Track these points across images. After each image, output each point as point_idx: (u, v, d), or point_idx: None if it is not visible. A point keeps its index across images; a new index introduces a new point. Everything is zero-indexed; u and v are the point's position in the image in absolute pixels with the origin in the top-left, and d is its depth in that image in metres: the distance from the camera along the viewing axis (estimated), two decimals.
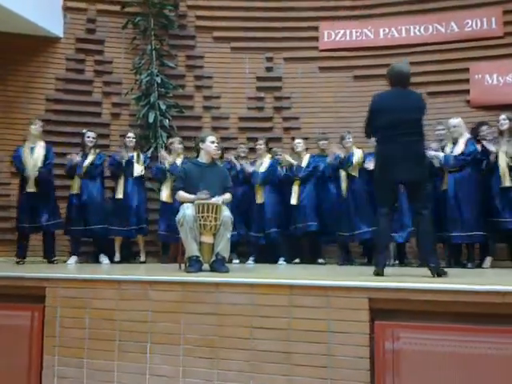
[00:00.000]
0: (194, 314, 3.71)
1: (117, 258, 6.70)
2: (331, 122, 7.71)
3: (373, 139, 4.62)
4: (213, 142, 4.87)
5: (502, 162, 5.82)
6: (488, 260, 5.93)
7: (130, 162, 6.68)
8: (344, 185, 6.43)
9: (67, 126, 7.36)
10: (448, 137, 6.15)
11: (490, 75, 7.64)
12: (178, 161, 6.74)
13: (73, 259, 6.51)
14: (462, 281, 3.66)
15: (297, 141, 6.91)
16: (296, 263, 6.64)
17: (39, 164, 6.26)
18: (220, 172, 4.98)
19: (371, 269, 4.25)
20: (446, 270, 4.16)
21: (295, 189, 6.67)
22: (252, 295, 3.63)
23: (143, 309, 3.82)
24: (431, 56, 7.84)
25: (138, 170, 6.74)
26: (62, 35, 8.04)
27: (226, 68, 8.29)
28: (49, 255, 6.40)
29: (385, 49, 8.04)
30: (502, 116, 6.06)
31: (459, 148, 5.96)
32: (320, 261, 6.62)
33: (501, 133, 6.03)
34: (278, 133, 8.07)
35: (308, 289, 3.53)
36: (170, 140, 7.08)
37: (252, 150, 7.26)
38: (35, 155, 6.30)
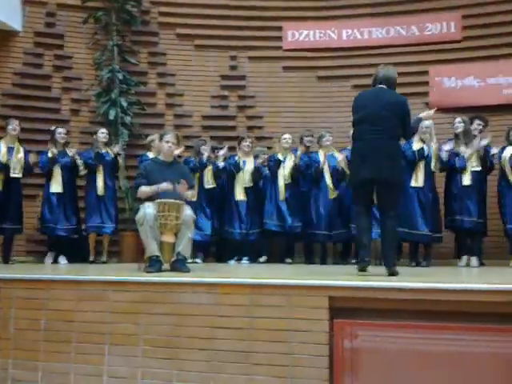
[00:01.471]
0: (154, 314, 3.66)
1: (91, 257, 6.65)
2: (295, 122, 7.74)
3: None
4: (167, 142, 4.79)
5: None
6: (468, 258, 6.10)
7: (109, 158, 6.68)
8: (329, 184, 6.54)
9: (25, 122, 7.15)
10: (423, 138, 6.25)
11: (449, 78, 7.82)
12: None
13: (62, 259, 6.50)
14: (418, 279, 3.74)
15: (285, 136, 6.88)
16: (262, 262, 6.65)
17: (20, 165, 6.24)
18: (181, 170, 4.94)
19: (343, 268, 4.29)
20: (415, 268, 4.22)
21: (281, 185, 6.67)
22: (213, 295, 3.61)
23: (101, 310, 3.75)
24: (392, 58, 7.91)
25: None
26: (20, 29, 7.80)
27: (190, 65, 8.22)
28: (6, 256, 6.23)
29: (347, 50, 8.14)
30: (458, 119, 6.25)
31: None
32: (287, 260, 6.64)
33: (456, 135, 6.20)
34: (241, 131, 8.05)
35: (268, 288, 3.53)
36: (150, 137, 6.95)
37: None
38: (19, 156, 6.24)
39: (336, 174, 6.51)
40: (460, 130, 6.19)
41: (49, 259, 6.52)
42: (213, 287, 3.62)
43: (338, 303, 3.44)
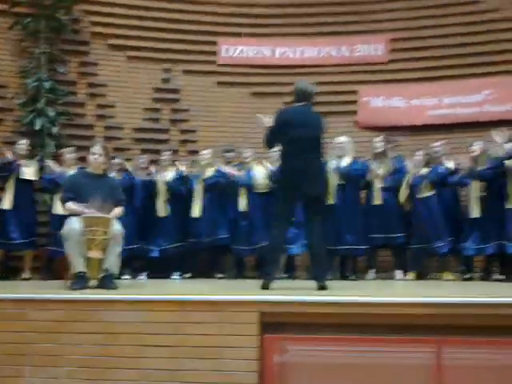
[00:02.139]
0: (79, 333, 3.52)
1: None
2: (228, 137, 7.75)
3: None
4: (93, 154, 4.64)
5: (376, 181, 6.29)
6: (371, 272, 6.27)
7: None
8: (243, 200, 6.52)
9: None
10: (332, 154, 6.41)
11: (377, 98, 8.13)
12: (71, 172, 6.39)
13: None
14: (345, 293, 3.82)
15: (203, 152, 6.88)
16: (190, 278, 6.55)
17: None
18: (111, 184, 4.79)
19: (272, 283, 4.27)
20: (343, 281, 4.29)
21: (197, 201, 6.62)
22: (142, 312, 3.52)
23: (21, 329, 3.55)
24: (323, 77, 8.17)
25: (30, 174, 6.39)
26: None
27: (122, 77, 8.08)
28: None
29: (281, 68, 8.29)
30: (378, 138, 6.47)
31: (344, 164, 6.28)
32: (218, 275, 6.57)
33: (376, 155, 6.41)
34: (174, 145, 7.97)
35: (199, 304, 3.49)
36: (62, 150, 6.70)
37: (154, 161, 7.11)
38: None
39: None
40: (380, 150, 6.41)
41: None
42: (141, 304, 3.52)
43: (269, 318, 3.44)
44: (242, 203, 6.56)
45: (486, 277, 5.87)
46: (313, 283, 4.19)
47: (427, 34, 8.13)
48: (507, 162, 5.62)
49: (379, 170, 6.30)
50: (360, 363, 3.36)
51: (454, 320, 3.33)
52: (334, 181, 6.20)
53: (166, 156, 6.93)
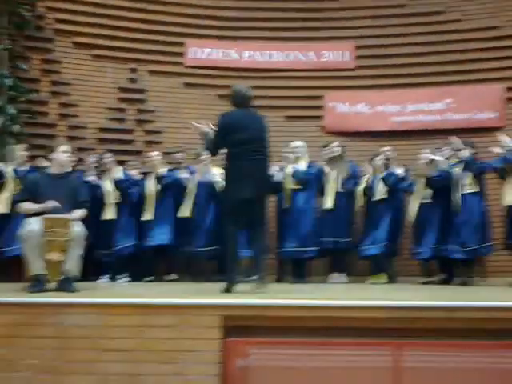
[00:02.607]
0: (34, 338, 3.42)
1: None
2: (194, 139, 7.66)
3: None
4: (65, 152, 4.56)
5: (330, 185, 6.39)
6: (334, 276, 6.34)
7: None
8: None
9: None
10: (290, 158, 6.46)
11: (342, 104, 8.23)
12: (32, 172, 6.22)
13: None
14: (307, 296, 3.84)
15: (154, 153, 6.86)
16: (148, 281, 6.46)
17: None
18: (73, 184, 4.69)
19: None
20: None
21: (150, 203, 6.54)
22: (101, 316, 3.45)
23: None
24: (290, 81, 8.26)
25: None
26: None
27: (86, 75, 7.92)
28: None
29: (248, 71, 8.27)
30: (334, 143, 6.56)
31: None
32: (170, 277, 6.51)
33: (331, 159, 6.49)
34: (139, 146, 7.88)
35: (160, 308, 3.45)
36: (13, 146, 6.52)
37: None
38: None
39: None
40: (336, 154, 6.50)
41: None
42: (99, 308, 3.45)
43: (231, 322, 3.43)
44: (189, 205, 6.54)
45: (447, 281, 6.04)
46: (277, 286, 4.21)
47: (393, 42, 8.27)
48: (455, 171, 5.80)
49: (334, 174, 6.38)
50: (321, 366, 3.38)
51: (412, 323, 3.38)
52: (289, 185, 6.26)
53: (109, 158, 6.80)
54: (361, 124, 8.08)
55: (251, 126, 4.32)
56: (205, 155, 6.53)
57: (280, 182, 6.30)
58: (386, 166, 6.46)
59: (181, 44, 8.28)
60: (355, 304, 3.50)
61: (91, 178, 6.63)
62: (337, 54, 8.41)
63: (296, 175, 6.28)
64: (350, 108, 8.21)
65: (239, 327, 3.44)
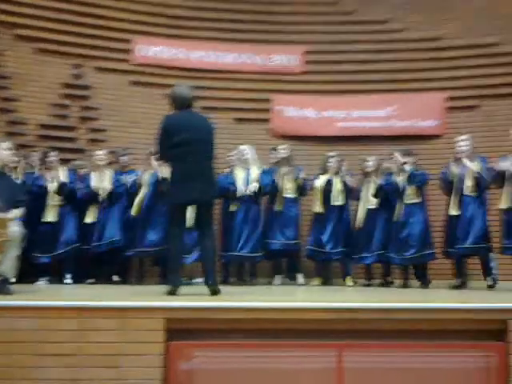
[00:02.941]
0: None
1: None
2: (139, 138, 7.54)
3: None
4: (9, 149, 4.36)
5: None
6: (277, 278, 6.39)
7: None
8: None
9: None
10: (239, 161, 6.47)
11: (289, 108, 8.31)
12: None
13: None
14: (250, 298, 3.84)
15: (98, 152, 6.61)
16: (91, 283, 6.27)
17: None
18: (10, 183, 4.49)
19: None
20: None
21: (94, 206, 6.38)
22: (39, 319, 3.31)
23: None
24: (238, 83, 8.27)
25: None
26: None
27: (28, 70, 7.64)
28: None
29: (197, 71, 8.23)
30: (281, 146, 6.62)
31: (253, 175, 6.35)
32: (115, 279, 6.36)
33: (278, 161, 6.55)
34: (82, 144, 7.66)
35: (101, 311, 3.35)
36: None
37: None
38: None
39: None
40: (284, 155, 6.56)
41: None
42: (37, 311, 3.32)
43: (175, 325, 3.38)
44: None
45: (388, 284, 6.20)
46: (206, 288, 4.18)
47: (340, 48, 8.46)
48: (399, 179, 5.98)
49: (286, 178, 6.43)
50: (265, 368, 3.39)
51: (354, 325, 3.44)
52: (242, 190, 6.27)
53: (53, 157, 6.40)
54: (308, 128, 8.20)
55: (194, 128, 4.24)
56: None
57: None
58: (340, 169, 6.55)
59: (128, 41, 8.14)
60: (295, 306, 3.52)
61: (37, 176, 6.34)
62: (286, 58, 8.49)
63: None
64: (297, 112, 8.31)
65: (183, 330, 3.40)
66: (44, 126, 7.64)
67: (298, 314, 3.45)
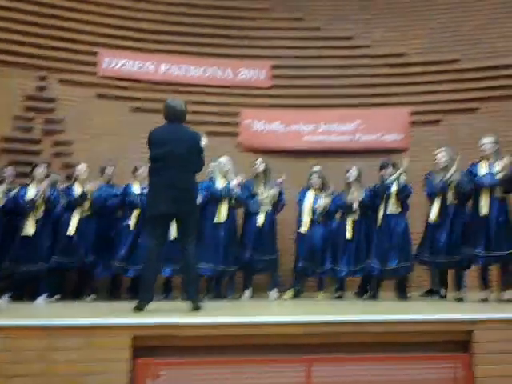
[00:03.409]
0: None
1: None
2: (106, 151, 7.46)
3: None
4: None
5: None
6: (247, 291, 6.36)
7: None
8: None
9: None
10: (216, 172, 6.48)
11: (258, 121, 8.36)
12: None
13: None
14: (219, 313, 3.81)
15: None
16: (57, 300, 6.11)
17: None
18: None
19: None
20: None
21: (74, 220, 6.23)
22: (4, 339, 3.20)
23: None
24: (207, 97, 8.28)
25: None
26: None
27: None
28: None
29: (165, 84, 8.20)
30: (258, 160, 6.67)
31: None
32: (88, 298, 6.21)
33: (257, 175, 6.59)
34: (46, 157, 7.50)
35: (66, 329, 3.26)
36: None
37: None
38: None
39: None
40: (261, 169, 6.60)
41: None
42: (2, 330, 3.20)
43: (142, 342, 3.32)
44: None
45: (359, 296, 6.27)
46: (188, 304, 4.13)
47: (307, 63, 8.57)
48: (377, 189, 6.07)
49: (262, 192, 6.45)
50: None
51: (323, 338, 3.44)
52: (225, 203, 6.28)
53: (41, 169, 6.26)
54: (276, 142, 8.25)
55: (177, 141, 4.22)
56: (142, 169, 6.36)
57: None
58: (323, 185, 6.61)
59: (94, 54, 8.05)
60: (263, 321, 3.49)
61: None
62: (253, 72, 8.55)
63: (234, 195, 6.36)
64: (265, 126, 8.36)
65: (149, 347, 3.34)
66: (7, 140, 7.45)
67: (266, 329, 3.43)
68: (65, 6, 7.98)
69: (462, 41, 8.40)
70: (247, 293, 6.37)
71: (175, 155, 4.18)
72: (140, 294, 4.19)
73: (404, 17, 8.62)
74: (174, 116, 4.39)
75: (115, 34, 8.20)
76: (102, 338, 3.27)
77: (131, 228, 6.25)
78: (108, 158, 6.97)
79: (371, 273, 6.01)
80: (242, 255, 6.36)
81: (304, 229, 6.48)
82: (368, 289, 6.25)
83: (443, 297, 5.83)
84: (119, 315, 3.72)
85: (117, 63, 8.14)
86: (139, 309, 4.00)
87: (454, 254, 5.59)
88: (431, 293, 6.36)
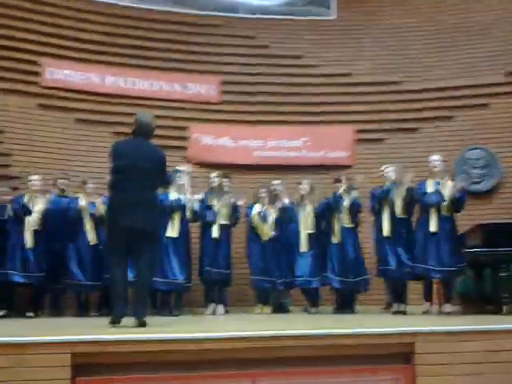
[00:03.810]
0: None
1: None
2: (47, 163, 7.22)
3: None
4: None
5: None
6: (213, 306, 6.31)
7: None
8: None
9: None
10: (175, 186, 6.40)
11: (206, 136, 8.33)
12: None
13: None
14: (162, 329, 3.71)
15: (33, 177, 6.23)
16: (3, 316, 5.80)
17: None
18: None
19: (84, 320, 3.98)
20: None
21: (29, 233, 6.00)
22: None
23: None
24: (155, 110, 8.06)
25: None
26: None
27: None
28: None
29: (109, 96, 8.06)
30: (213, 174, 6.66)
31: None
32: (29, 314, 5.93)
33: (211, 189, 6.57)
34: None
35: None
36: None
37: None
38: None
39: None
40: (216, 184, 6.58)
41: None
42: None
43: (82, 359, 3.16)
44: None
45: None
46: (132, 320, 4.01)
47: (256, 80, 8.65)
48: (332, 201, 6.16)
49: (218, 204, 6.42)
50: None
51: (268, 352, 3.40)
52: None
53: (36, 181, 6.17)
54: (225, 156, 8.24)
55: (138, 156, 4.10)
56: (91, 183, 6.25)
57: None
58: (274, 199, 6.62)
59: (36, 63, 7.81)
60: (206, 336, 3.41)
61: None
62: (202, 87, 8.54)
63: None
64: (214, 140, 8.34)
65: (91, 365, 3.19)
66: None
67: (210, 344, 3.35)
68: (8, 15, 7.73)
69: (403, 63, 8.71)
70: (220, 308, 6.29)
71: (138, 168, 4.08)
72: (113, 308, 4.05)
73: (351, 38, 8.86)
74: (142, 131, 4.28)
75: (60, 44, 8.03)
76: (37, 355, 3.08)
77: (91, 242, 6.18)
78: (48, 169, 6.75)
79: (330, 285, 6.11)
80: (200, 269, 6.33)
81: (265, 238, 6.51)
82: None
83: (402, 312, 5.83)
84: (57, 332, 3.55)
85: (60, 74, 7.91)
86: (115, 322, 3.89)
87: (404, 267, 5.70)
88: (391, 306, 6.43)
